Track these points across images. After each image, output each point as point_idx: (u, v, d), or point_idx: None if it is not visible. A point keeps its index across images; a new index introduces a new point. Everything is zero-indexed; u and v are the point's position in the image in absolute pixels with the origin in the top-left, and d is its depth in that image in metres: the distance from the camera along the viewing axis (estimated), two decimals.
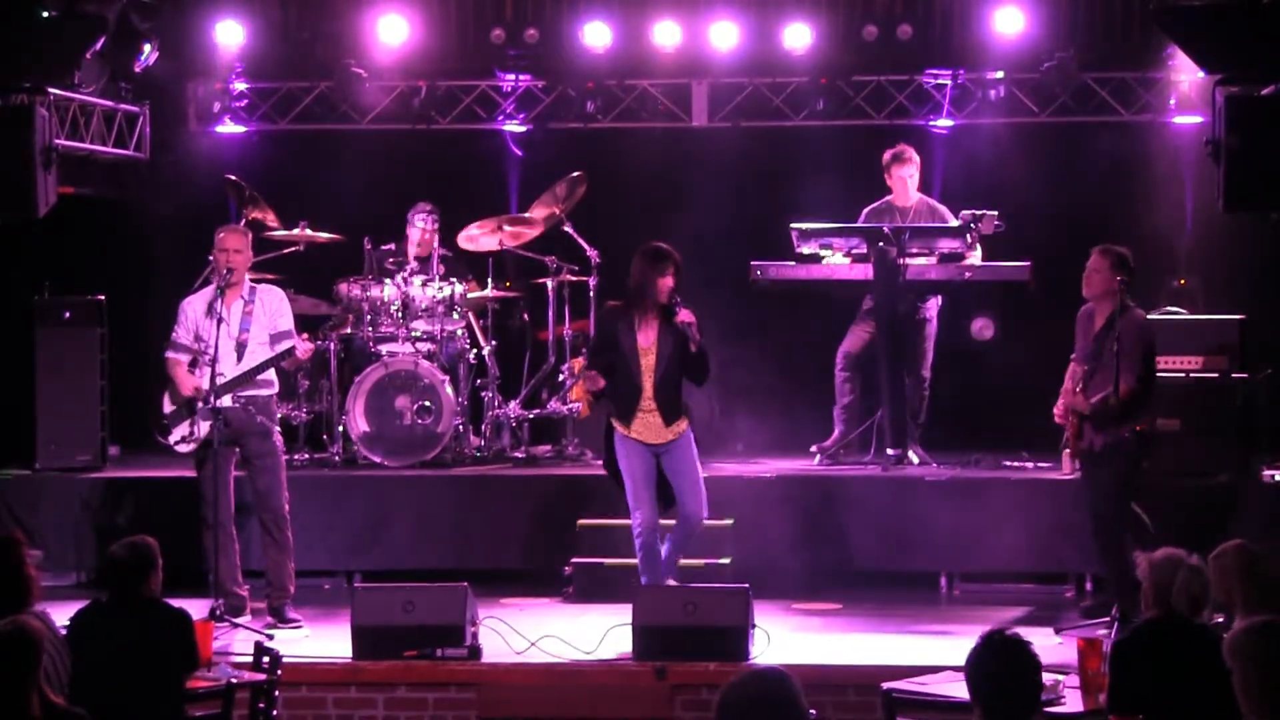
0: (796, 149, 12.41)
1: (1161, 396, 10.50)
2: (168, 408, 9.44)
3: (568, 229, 11.75)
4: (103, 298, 11.36)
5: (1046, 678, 5.28)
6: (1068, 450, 9.28)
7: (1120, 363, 8.91)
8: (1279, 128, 9.45)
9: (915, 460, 11.02)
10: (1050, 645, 8.38)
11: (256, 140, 12.76)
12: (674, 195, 12.63)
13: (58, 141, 10.40)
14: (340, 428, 11.20)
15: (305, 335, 9.57)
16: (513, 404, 11.58)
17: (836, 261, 11.03)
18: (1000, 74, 12.03)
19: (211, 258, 9.55)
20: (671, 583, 9.13)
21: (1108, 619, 8.79)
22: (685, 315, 9.02)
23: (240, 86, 12.58)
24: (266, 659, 7.44)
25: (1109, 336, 9.03)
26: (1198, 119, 11.45)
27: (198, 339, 9.40)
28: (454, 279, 11.51)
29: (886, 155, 11.36)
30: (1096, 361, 9.09)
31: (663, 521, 9.22)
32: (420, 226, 11.70)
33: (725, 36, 12.13)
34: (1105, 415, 9.00)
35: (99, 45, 10.72)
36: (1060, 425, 9.25)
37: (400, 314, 11.24)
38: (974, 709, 4.76)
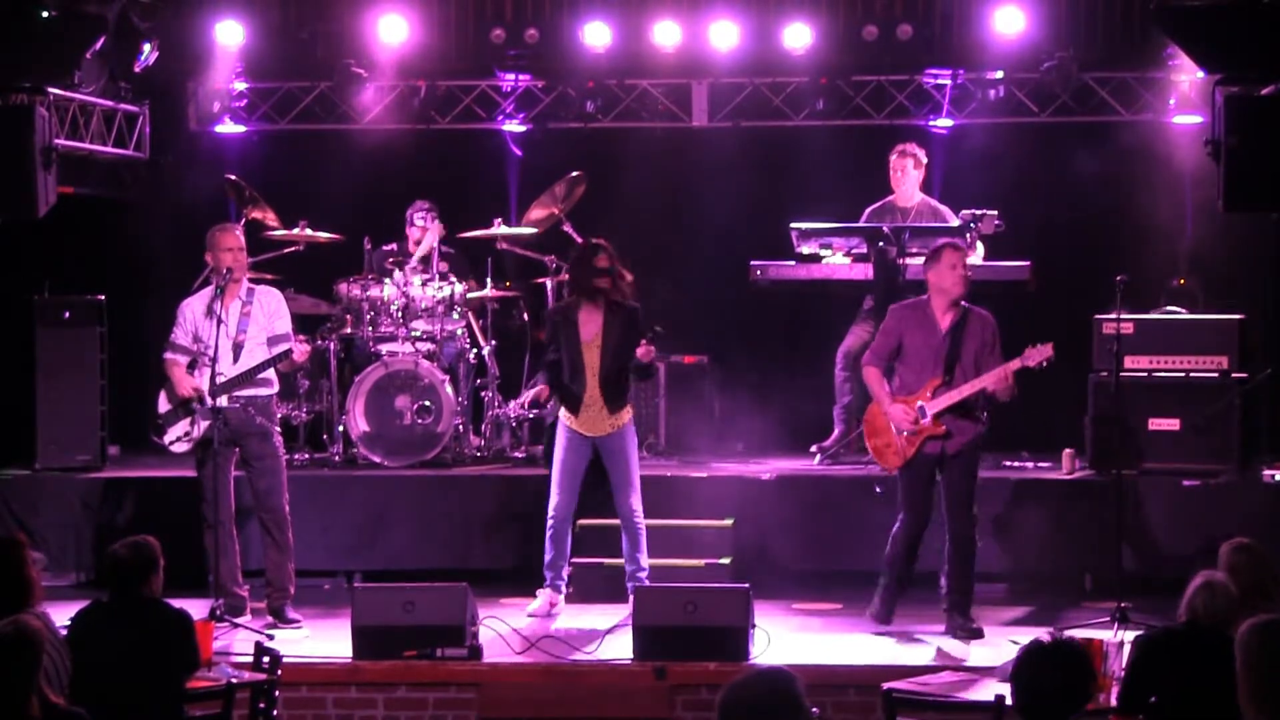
0: (796, 149, 12.40)
1: (1162, 396, 10.53)
2: (163, 407, 9.44)
3: (567, 229, 11.74)
4: (103, 298, 11.35)
5: None
6: (895, 457, 9.20)
7: (993, 358, 9.00)
8: (1279, 128, 9.45)
9: None
10: None
11: (256, 140, 12.75)
12: (674, 195, 12.65)
13: (58, 141, 10.39)
14: (340, 428, 11.20)
15: (302, 338, 9.58)
16: (513, 404, 11.57)
17: (836, 261, 11.04)
18: (1000, 74, 12.02)
19: (207, 259, 9.54)
20: (645, 584, 9.19)
21: (1108, 618, 8.80)
22: (644, 352, 9.32)
23: (240, 86, 12.56)
24: (266, 659, 7.45)
25: (964, 335, 9.07)
26: (1198, 119, 11.43)
27: (196, 340, 9.39)
28: (455, 276, 11.53)
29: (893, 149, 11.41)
30: (954, 359, 9.09)
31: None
32: (419, 225, 11.70)
33: (725, 36, 12.12)
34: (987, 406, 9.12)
35: (99, 45, 10.71)
36: (909, 431, 9.13)
37: (400, 314, 11.23)
38: (1017, 710, 4.73)
